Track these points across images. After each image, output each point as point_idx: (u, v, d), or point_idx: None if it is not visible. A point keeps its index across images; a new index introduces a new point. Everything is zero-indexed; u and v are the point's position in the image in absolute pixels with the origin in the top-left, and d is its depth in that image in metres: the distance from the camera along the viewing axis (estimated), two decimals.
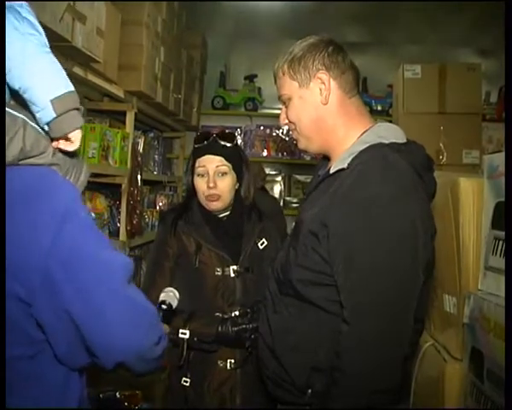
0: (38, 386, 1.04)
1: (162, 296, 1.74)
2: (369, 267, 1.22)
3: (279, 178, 5.28)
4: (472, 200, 1.90)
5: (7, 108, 0.99)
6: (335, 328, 1.27)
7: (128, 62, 2.82)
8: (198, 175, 1.93)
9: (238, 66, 5.31)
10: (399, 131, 1.40)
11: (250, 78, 5.16)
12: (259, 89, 5.18)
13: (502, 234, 1.74)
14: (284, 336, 1.38)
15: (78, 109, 1.08)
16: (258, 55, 5.10)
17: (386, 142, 1.32)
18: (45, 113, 1.03)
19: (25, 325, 0.99)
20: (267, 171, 4.71)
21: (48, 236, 0.96)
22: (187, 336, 1.80)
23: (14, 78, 1.00)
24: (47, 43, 1.06)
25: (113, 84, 2.75)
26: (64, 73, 1.07)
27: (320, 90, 1.38)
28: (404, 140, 1.37)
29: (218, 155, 1.91)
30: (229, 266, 1.91)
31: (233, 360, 1.88)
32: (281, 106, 1.47)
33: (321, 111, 1.39)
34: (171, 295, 1.74)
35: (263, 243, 1.97)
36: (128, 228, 3.01)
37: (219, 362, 1.88)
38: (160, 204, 3.96)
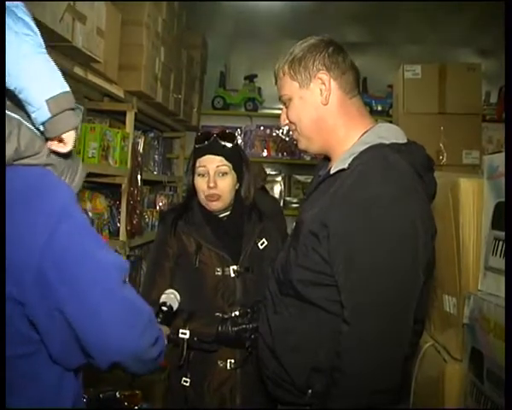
0: (33, 385, 1.04)
1: (163, 298, 1.74)
2: (369, 268, 1.22)
3: (279, 179, 5.28)
4: (472, 200, 1.91)
5: None
6: (336, 328, 1.27)
7: (128, 62, 2.82)
8: (198, 175, 1.93)
9: (238, 66, 5.31)
10: (400, 131, 1.40)
11: (250, 78, 5.16)
12: (259, 89, 5.18)
13: (502, 234, 1.74)
14: (284, 336, 1.38)
15: (73, 109, 1.08)
16: (258, 55, 5.10)
17: (387, 142, 1.32)
18: (40, 113, 1.03)
19: (19, 325, 0.99)
20: (267, 171, 4.72)
21: (42, 236, 0.97)
22: (187, 336, 1.80)
23: (9, 78, 1.00)
24: (42, 43, 1.06)
25: (114, 84, 2.76)
26: (59, 73, 1.07)
27: (320, 90, 1.38)
28: (405, 140, 1.37)
29: (218, 155, 1.91)
30: (229, 266, 1.91)
31: (233, 360, 1.88)
32: (281, 106, 1.47)
33: (321, 111, 1.39)
34: (171, 297, 1.74)
35: (263, 243, 1.97)
36: (128, 228, 3.01)
37: (219, 362, 1.88)
38: (160, 204, 3.96)
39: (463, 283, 1.93)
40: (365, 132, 1.36)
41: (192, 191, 1.98)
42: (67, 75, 2.35)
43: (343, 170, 1.32)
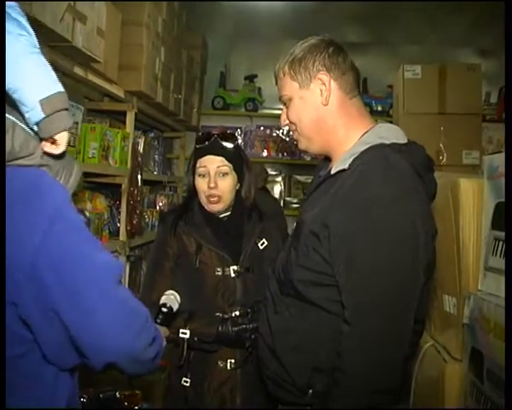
0: (27, 385, 1.04)
1: (163, 299, 1.74)
2: (370, 268, 1.23)
3: (279, 179, 5.28)
4: (472, 200, 1.91)
5: None
6: (336, 328, 1.27)
7: (128, 62, 2.82)
8: (199, 175, 1.93)
9: (238, 66, 5.31)
10: (400, 131, 1.40)
11: (250, 78, 5.16)
12: (259, 89, 5.18)
13: (502, 235, 1.74)
14: (285, 336, 1.38)
15: (67, 110, 1.08)
16: (259, 55, 5.11)
17: (387, 142, 1.32)
18: (34, 113, 1.03)
19: (12, 325, 0.99)
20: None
21: (36, 236, 0.97)
22: (187, 336, 1.80)
23: None
24: (37, 44, 1.07)
25: (114, 84, 2.76)
26: (53, 73, 1.08)
27: (320, 91, 1.38)
28: (405, 141, 1.37)
29: (219, 155, 1.91)
30: (229, 266, 1.91)
31: (233, 361, 1.88)
32: (281, 106, 1.47)
33: (321, 112, 1.39)
34: (171, 298, 1.74)
35: (263, 243, 1.97)
36: (128, 228, 3.01)
37: (219, 362, 1.88)
38: (160, 204, 3.96)
39: (463, 283, 1.93)
40: (365, 133, 1.37)
41: (192, 192, 1.98)
42: (67, 75, 2.36)
43: (344, 170, 1.32)
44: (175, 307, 1.73)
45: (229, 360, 1.88)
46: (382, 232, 1.22)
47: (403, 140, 1.36)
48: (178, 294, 1.77)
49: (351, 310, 1.24)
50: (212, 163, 1.91)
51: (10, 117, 1.02)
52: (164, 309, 1.70)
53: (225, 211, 1.97)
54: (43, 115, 1.03)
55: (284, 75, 1.41)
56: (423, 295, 1.30)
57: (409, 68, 3.72)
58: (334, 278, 1.28)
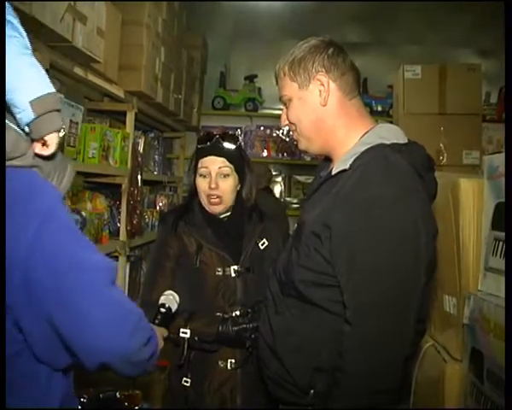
0: (19, 384, 1.04)
1: (162, 299, 1.73)
2: (371, 268, 1.23)
3: (279, 179, 5.28)
4: (472, 201, 1.91)
5: None
6: (338, 328, 1.27)
7: (128, 62, 2.82)
8: (200, 175, 1.93)
9: (238, 66, 5.31)
10: (400, 131, 1.40)
11: (250, 78, 5.17)
12: (259, 89, 5.18)
13: (502, 235, 1.74)
14: (286, 336, 1.38)
15: (58, 111, 1.08)
16: (258, 56, 5.11)
17: (388, 142, 1.32)
18: (25, 114, 1.04)
19: (6, 325, 0.99)
20: None
21: (27, 238, 0.97)
22: (188, 336, 1.80)
23: None
24: (29, 45, 1.07)
25: (114, 85, 2.76)
26: (45, 74, 1.08)
27: (319, 91, 1.38)
28: (405, 141, 1.37)
29: (220, 156, 1.91)
30: (229, 266, 1.91)
31: (233, 360, 1.88)
32: (281, 106, 1.47)
33: (320, 112, 1.39)
34: (170, 299, 1.74)
35: (263, 243, 1.97)
36: (128, 228, 3.01)
37: (220, 362, 1.88)
38: (160, 204, 3.96)
39: (463, 283, 1.93)
40: (366, 133, 1.37)
41: (193, 192, 1.98)
42: (67, 75, 2.36)
43: (344, 170, 1.32)
44: (174, 307, 1.73)
45: (229, 360, 1.88)
46: (383, 232, 1.22)
47: (403, 140, 1.36)
48: (178, 294, 1.77)
49: (352, 310, 1.24)
50: (214, 164, 1.91)
51: None
52: (162, 309, 1.69)
53: (226, 211, 1.97)
54: (33, 116, 1.04)
55: (284, 76, 1.42)
56: (425, 295, 1.30)
57: (409, 68, 3.72)
58: (336, 279, 1.28)
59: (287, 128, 1.49)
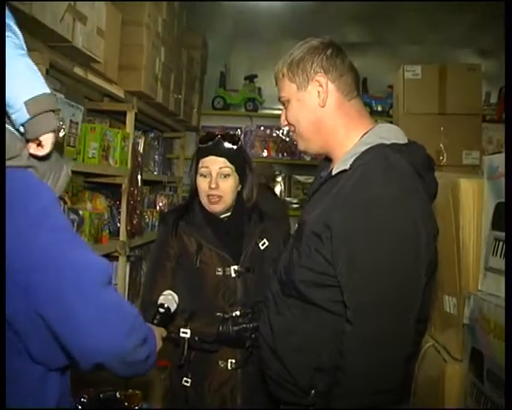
0: (14, 384, 1.04)
1: (161, 299, 1.73)
2: (371, 268, 1.23)
3: (279, 179, 5.28)
4: (472, 201, 1.90)
5: None
6: (338, 329, 1.27)
7: (128, 62, 2.82)
8: (201, 175, 1.93)
9: (238, 66, 5.31)
10: (400, 131, 1.40)
11: (250, 78, 5.16)
12: (259, 89, 5.18)
13: (502, 235, 1.74)
14: (287, 337, 1.38)
15: (53, 111, 1.08)
16: (258, 56, 5.11)
17: (388, 142, 1.32)
18: (20, 114, 1.04)
19: None
20: None
21: (22, 238, 0.97)
22: (188, 336, 1.80)
23: None
24: (24, 46, 1.07)
25: (114, 85, 2.76)
26: (40, 75, 1.08)
27: (318, 92, 1.38)
28: (405, 141, 1.37)
29: (221, 156, 1.91)
30: (230, 266, 1.91)
31: (234, 361, 1.88)
32: (281, 106, 1.47)
33: (319, 113, 1.39)
34: (169, 299, 1.74)
35: (264, 243, 1.98)
36: (128, 228, 3.01)
37: (220, 362, 1.88)
38: (160, 204, 3.96)
39: (463, 283, 1.93)
40: (366, 133, 1.37)
41: (194, 191, 1.98)
42: (67, 75, 2.36)
43: (345, 171, 1.32)
44: (173, 307, 1.73)
45: (229, 360, 1.88)
46: (383, 232, 1.22)
47: (403, 140, 1.36)
48: (179, 294, 1.77)
49: (353, 310, 1.24)
50: (214, 164, 1.91)
51: None
52: (161, 309, 1.69)
53: (226, 211, 1.97)
54: (28, 116, 1.04)
55: (283, 76, 1.42)
56: (425, 295, 1.30)
57: (409, 69, 3.71)
58: (336, 279, 1.28)
59: (287, 128, 1.49)
